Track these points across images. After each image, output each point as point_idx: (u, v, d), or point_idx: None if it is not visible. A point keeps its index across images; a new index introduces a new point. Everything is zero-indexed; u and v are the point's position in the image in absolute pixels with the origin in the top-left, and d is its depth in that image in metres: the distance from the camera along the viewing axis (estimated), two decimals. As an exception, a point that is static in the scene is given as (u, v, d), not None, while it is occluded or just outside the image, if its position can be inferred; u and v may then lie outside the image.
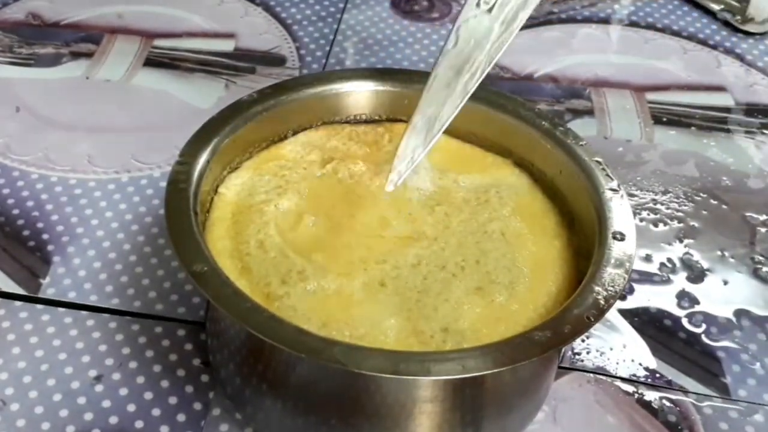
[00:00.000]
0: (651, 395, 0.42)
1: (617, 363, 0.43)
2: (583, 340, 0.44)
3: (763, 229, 0.50)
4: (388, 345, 0.35)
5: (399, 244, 0.39)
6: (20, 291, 0.45)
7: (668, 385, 0.42)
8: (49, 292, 0.45)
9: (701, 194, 0.52)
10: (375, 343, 0.35)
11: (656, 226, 0.50)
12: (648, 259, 0.48)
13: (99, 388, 0.41)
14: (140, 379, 0.41)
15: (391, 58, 0.61)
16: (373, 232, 0.39)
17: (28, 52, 0.60)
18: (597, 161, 0.40)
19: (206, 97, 0.57)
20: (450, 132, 0.44)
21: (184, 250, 0.35)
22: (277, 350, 0.35)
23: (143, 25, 0.63)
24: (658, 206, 0.51)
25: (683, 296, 0.46)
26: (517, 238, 0.39)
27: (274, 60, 0.60)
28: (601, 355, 0.43)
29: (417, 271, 0.38)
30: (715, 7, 0.67)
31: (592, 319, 0.34)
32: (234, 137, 0.41)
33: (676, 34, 0.65)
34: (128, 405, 0.40)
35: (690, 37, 0.65)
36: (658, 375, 0.43)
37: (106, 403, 0.40)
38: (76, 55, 0.60)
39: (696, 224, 0.50)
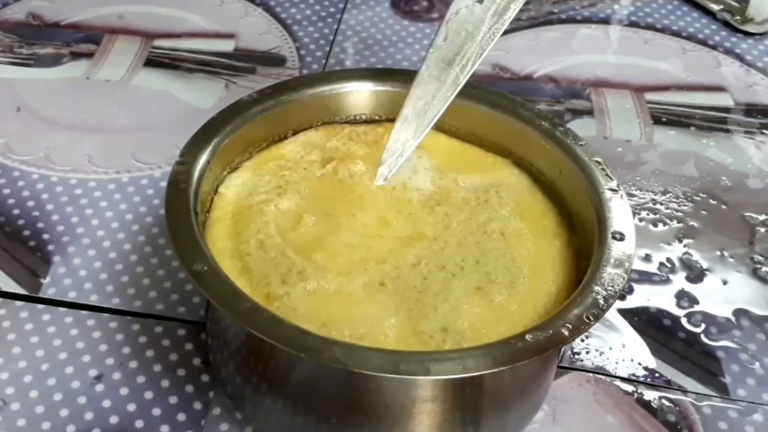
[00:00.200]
0: (650, 395, 0.42)
1: (617, 363, 0.43)
2: (582, 340, 0.44)
3: (762, 229, 0.50)
4: (388, 345, 0.35)
5: (399, 244, 0.39)
6: (21, 291, 0.45)
7: (668, 385, 0.42)
8: (49, 292, 0.45)
9: (701, 194, 0.52)
10: (375, 343, 0.35)
11: (656, 226, 0.50)
12: (647, 258, 0.48)
13: (99, 387, 0.41)
14: (140, 379, 0.41)
15: (391, 58, 0.61)
16: (373, 232, 0.39)
17: (28, 52, 0.60)
18: (596, 161, 0.40)
19: (206, 97, 0.57)
20: (450, 132, 0.44)
21: (185, 250, 0.35)
22: (277, 350, 0.35)
23: (143, 25, 0.63)
24: (658, 206, 0.51)
25: (683, 296, 0.47)
26: (517, 238, 0.39)
27: (274, 60, 0.60)
28: (600, 355, 0.43)
29: (417, 271, 0.38)
30: (715, 7, 0.67)
31: (592, 319, 0.34)
32: (234, 137, 0.41)
33: (676, 34, 0.65)
34: (128, 404, 0.40)
35: (689, 38, 0.65)
36: (657, 375, 0.43)
37: (107, 403, 0.40)
38: (76, 56, 0.60)
39: (695, 224, 0.50)
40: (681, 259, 0.48)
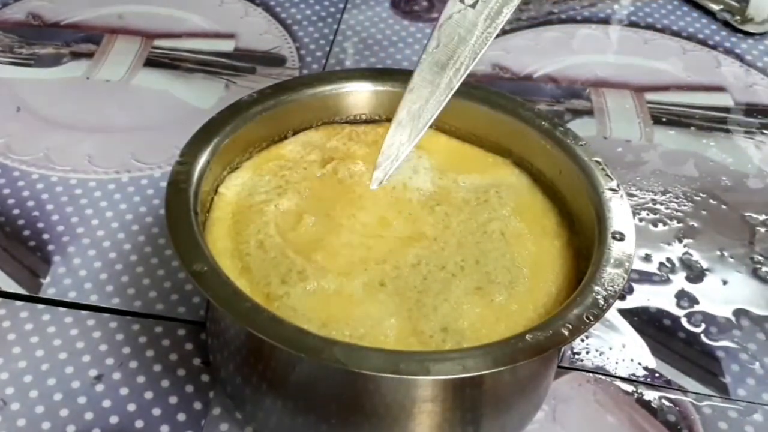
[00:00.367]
0: (650, 395, 0.42)
1: (617, 362, 0.43)
2: (582, 340, 0.44)
3: (762, 229, 0.50)
4: (388, 345, 0.35)
5: (399, 244, 0.39)
6: (21, 291, 0.45)
7: (668, 385, 0.42)
8: (49, 292, 0.45)
9: (701, 194, 0.52)
10: (375, 343, 0.35)
11: (656, 226, 0.50)
12: (647, 258, 0.48)
13: (99, 387, 0.41)
14: (140, 379, 0.41)
15: (391, 58, 0.61)
16: (373, 232, 0.39)
17: (28, 52, 0.60)
18: (596, 161, 0.40)
19: (206, 97, 0.57)
20: (450, 132, 0.44)
21: (185, 250, 0.35)
22: (277, 350, 0.35)
23: (143, 25, 0.63)
24: (658, 206, 0.51)
25: (682, 296, 0.47)
26: (517, 238, 0.39)
27: (274, 60, 0.60)
28: (600, 355, 0.43)
29: (417, 271, 0.38)
30: (715, 7, 0.67)
31: (592, 319, 0.34)
32: (234, 137, 0.41)
33: (676, 34, 0.65)
34: (128, 404, 0.40)
35: (689, 38, 0.65)
36: (657, 374, 0.43)
37: (107, 403, 0.40)
38: (76, 56, 0.60)
39: (695, 224, 0.50)
40: (681, 259, 0.48)
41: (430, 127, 0.39)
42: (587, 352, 0.44)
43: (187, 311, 0.44)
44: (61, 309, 0.44)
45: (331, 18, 0.65)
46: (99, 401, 0.40)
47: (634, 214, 0.48)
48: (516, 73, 0.61)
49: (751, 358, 0.44)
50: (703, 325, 0.45)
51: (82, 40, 0.61)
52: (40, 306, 0.44)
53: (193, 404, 0.40)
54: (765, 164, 0.55)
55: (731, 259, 0.48)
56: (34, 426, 0.39)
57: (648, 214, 0.51)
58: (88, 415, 0.40)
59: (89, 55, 0.60)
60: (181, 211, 0.37)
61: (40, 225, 0.48)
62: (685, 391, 0.42)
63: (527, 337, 0.33)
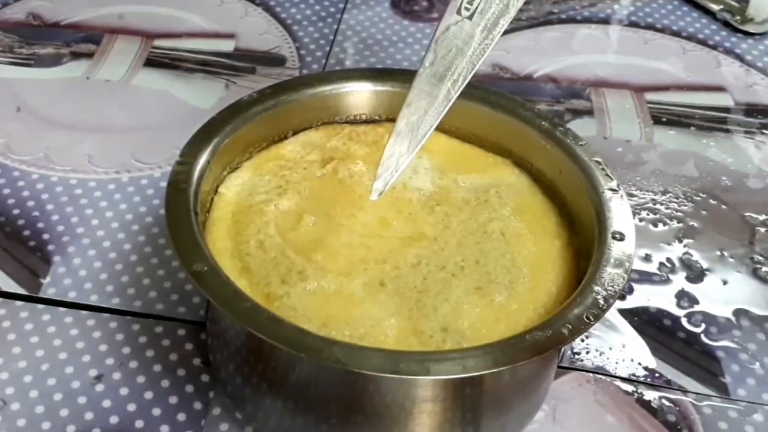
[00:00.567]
0: (650, 395, 0.42)
1: (617, 362, 0.43)
2: (582, 340, 0.44)
3: (762, 229, 0.50)
4: (388, 345, 0.35)
5: (399, 244, 0.39)
6: (21, 291, 0.45)
7: (668, 385, 0.42)
8: (49, 292, 0.45)
9: (701, 194, 0.52)
10: (375, 343, 0.35)
11: (656, 226, 0.50)
12: (647, 258, 0.48)
13: (99, 387, 0.41)
14: (140, 379, 0.41)
15: (391, 58, 0.61)
16: (373, 232, 0.39)
17: (28, 52, 0.60)
18: (596, 161, 0.40)
19: (206, 97, 0.57)
20: (450, 132, 0.44)
21: (185, 250, 0.35)
22: (277, 350, 0.35)
23: (143, 25, 0.63)
24: (658, 206, 0.51)
25: (683, 296, 0.47)
26: (517, 238, 0.39)
27: (274, 60, 0.60)
28: (600, 355, 0.43)
29: (417, 271, 0.38)
30: (715, 7, 0.67)
31: (592, 319, 0.34)
32: (234, 137, 0.41)
33: (676, 34, 0.65)
34: (128, 404, 0.40)
35: (689, 38, 0.65)
36: (657, 374, 0.43)
37: (107, 403, 0.40)
38: (76, 56, 0.60)
39: (695, 224, 0.50)
40: (681, 259, 0.48)
41: None
42: (587, 352, 0.44)
43: (187, 311, 0.44)
44: (61, 309, 0.44)
45: (331, 18, 0.65)
46: (99, 401, 0.40)
47: (634, 214, 0.48)
48: (516, 73, 0.61)
49: (751, 358, 0.44)
50: (703, 325, 0.45)
51: (82, 40, 0.61)
52: (40, 306, 0.44)
53: (193, 404, 0.40)
54: (765, 164, 0.55)
55: (731, 259, 0.48)
56: (34, 426, 0.39)
57: (648, 214, 0.51)
58: (88, 415, 0.40)
59: (89, 55, 0.60)
60: (181, 211, 0.37)
61: (40, 225, 0.48)
62: (685, 391, 0.42)
63: (527, 337, 0.33)
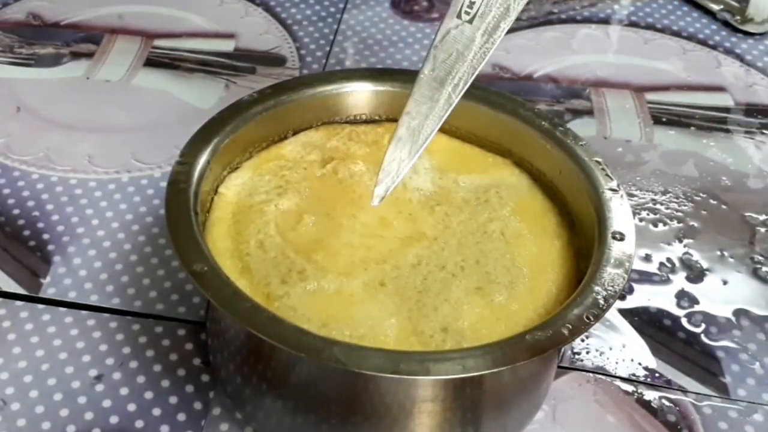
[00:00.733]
0: (650, 395, 0.42)
1: (617, 363, 0.43)
2: (582, 340, 0.44)
3: (762, 229, 0.50)
4: (388, 345, 0.35)
5: (399, 244, 0.39)
6: (21, 291, 0.45)
7: (668, 385, 0.42)
8: (49, 292, 0.45)
9: (701, 194, 0.52)
10: (375, 343, 0.35)
11: (656, 226, 0.50)
12: (647, 258, 0.48)
13: (99, 387, 0.41)
14: (140, 379, 0.41)
15: (391, 58, 0.61)
16: (373, 232, 0.39)
17: (28, 52, 0.60)
18: (597, 161, 0.40)
19: (206, 97, 0.57)
20: (450, 132, 0.44)
21: (185, 250, 0.35)
22: (277, 350, 0.35)
23: (143, 25, 0.63)
24: (658, 206, 0.51)
25: (683, 296, 0.47)
26: (517, 238, 0.39)
27: (274, 60, 0.60)
28: (600, 355, 0.43)
29: (417, 271, 0.38)
30: (715, 7, 0.67)
31: (592, 319, 0.34)
32: (234, 137, 0.41)
33: (676, 34, 0.65)
34: (128, 404, 0.40)
35: (690, 38, 0.65)
36: (657, 374, 0.43)
37: (107, 403, 0.40)
38: (76, 56, 0.60)
39: (695, 224, 0.50)
40: (681, 259, 0.48)
41: None
42: (587, 352, 0.44)
43: (187, 311, 0.44)
44: (61, 309, 0.44)
45: (331, 18, 0.65)
46: (99, 401, 0.40)
47: (634, 214, 0.48)
48: (516, 73, 0.61)
49: (751, 358, 0.44)
50: (703, 325, 0.45)
51: (82, 40, 0.61)
52: (40, 306, 0.44)
53: (193, 404, 0.40)
54: (765, 164, 0.55)
55: (731, 259, 0.48)
56: (34, 426, 0.39)
57: (648, 214, 0.51)
58: (88, 415, 0.40)
59: (89, 55, 0.60)
60: (181, 211, 0.37)
61: (40, 225, 0.48)
62: (685, 391, 0.42)
63: (527, 337, 0.33)
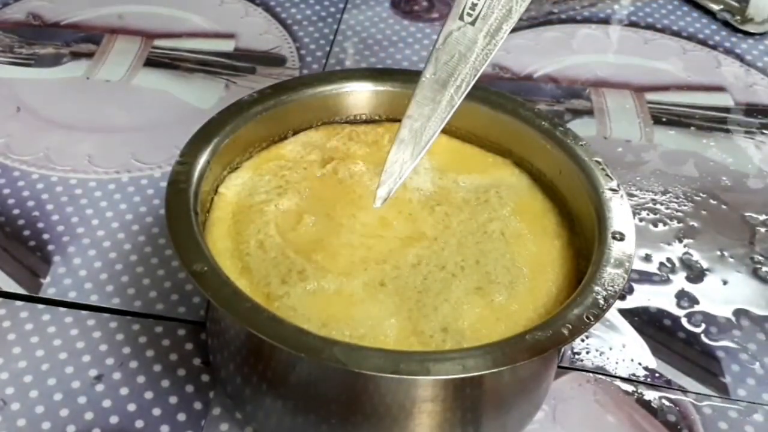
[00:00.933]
0: (650, 395, 0.42)
1: (617, 363, 0.43)
2: (582, 340, 0.44)
3: (762, 229, 0.50)
4: (388, 345, 0.35)
5: (399, 244, 0.39)
6: (21, 291, 0.45)
7: (668, 385, 0.42)
8: (49, 292, 0.45)
9: (701, 194, 0.52)
10: (375, 343, 0.35)
11: (656, 226, 0.50)
12: (647, 258, 0.48)
13: (99, 387, 0.41)
14: (140, 379, 0.41)
15: (391, 58, 0.61)
16: (373, 232, 0.39)
17: (28, 52, 0.60)
18: (597, 161, 0.40)
19: (206, 97, 0.57)
20: (450, 132, 0.44)
21: (185, 250, 0.35)
22: (277, 350, 0.35)
23: (143, 25, 0.63)
24: (658, 206, 0.51)
25: (683, 296, 0.47)
26: (517, 238, 0.39)
27: (274, 60, 0.60)
28: (600, 355, 0.43)
29: (417, 271, 0.38)
30: (715, 7, 0.67)
31: (592, 319, 0.34)
32: (234, 137, 0.41)
33: (676, 34, 0.65)
34: (128, 404, 0.40)
35: (690, 38, 0.65)
36: (657, 374, 0.43)
37: (107, 403, 0.40)
38: (76, 55, 0.60)
39: (695, 224, 0.50)
40: (681, 259, 0.48)
41: None
42: (587, 352, 0.44)
43: (187, 311, 0.44)
44: (61, 309, 0.44)
45: (331, 18, 0.65)
46: (99, 401, 0.40)
47: (634, 214, 0.48)
48: (516, 73, 0.61)
49: (751, 358, 0.44)
50: (703, 325, 0.45)
51: (82, 40, 0.61)
52: (40, 306, 0.44)
53: (193, 404, 0.40)
54: (765, 164, 0.55)
55: (731, 259, 0.48)
56: (34, 426, 0.39)
57: (648, 214, 0.51)
58: (88, 415, 0.40)
59: (89, 55, 0.60)
60: (181, 211, 0.37)
61: (40, 225, 0.48)
62: (685, 391, 0.42)
63: (527, 337, 0.33)
